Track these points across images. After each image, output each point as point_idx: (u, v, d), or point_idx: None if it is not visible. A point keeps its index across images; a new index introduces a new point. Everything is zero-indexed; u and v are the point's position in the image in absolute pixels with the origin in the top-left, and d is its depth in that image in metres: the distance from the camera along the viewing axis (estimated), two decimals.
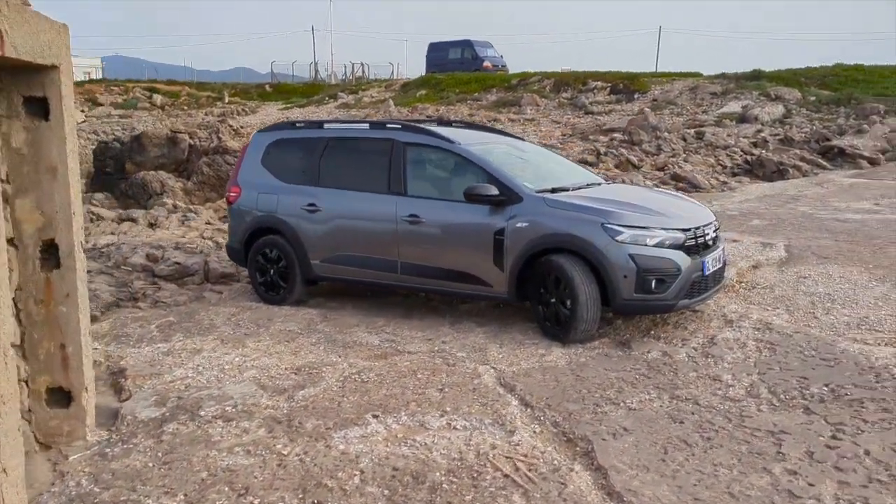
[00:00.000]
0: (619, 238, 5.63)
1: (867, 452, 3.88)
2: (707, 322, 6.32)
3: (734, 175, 15.73)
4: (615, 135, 20.78)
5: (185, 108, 40.56)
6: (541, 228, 5.89)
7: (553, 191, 6.25)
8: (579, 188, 6.55)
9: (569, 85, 30.18)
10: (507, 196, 6.06)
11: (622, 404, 4.63)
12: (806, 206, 11.89)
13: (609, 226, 5.68)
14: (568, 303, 5.74)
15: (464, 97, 29.89)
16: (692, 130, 19.84)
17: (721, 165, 16.56)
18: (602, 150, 18.48)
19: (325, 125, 7.39)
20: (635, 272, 5.59)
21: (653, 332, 6.09)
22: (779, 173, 15.48)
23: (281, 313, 6.95)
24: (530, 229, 5.92)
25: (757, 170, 15.52)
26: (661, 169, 16.43)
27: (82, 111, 40.12)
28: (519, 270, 5.98)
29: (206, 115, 35.78)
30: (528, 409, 4.60)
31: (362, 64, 51.74)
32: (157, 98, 42.37)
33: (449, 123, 7.90)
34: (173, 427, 4.35)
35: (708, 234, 6.06)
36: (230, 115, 35.25)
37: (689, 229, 5.85)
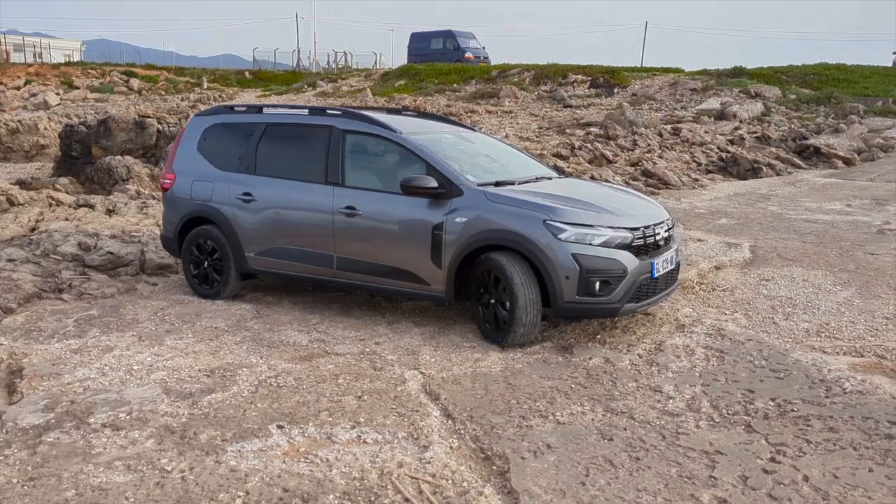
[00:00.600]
0: (561, 236, 5.27)
1: (806, 478, 3.54)
2: (658, 326, 5.99)
3: (708, 172, 15.43)
4: (592, 129, 20.46)
5: (163, 93, 39.85)
6: (480, 224, 5.52)
7: (497, 184, 5.88)
8: (527, 182, 6.18)
9: (549, 78, 29.80)
10: (447, 189, 5.68)
11: (551, 417, 4.28)
12: (776, 206, 11.59)
13: (551, 223, 5.32)
14: (507, 304, 5.38)
15: (443, 88, 29.44)
16: (669, 126, 19.53)
17: (696, 162, 16.26)
18: (577, 143, 18.16)
19: (265, 110, 6.97)
20: (578, 273, 5.23)
21: (599, 337, 5.75)
22: (753, 171, 15.19)
23: (212, 308, 6.55)
24: (469, 225, 5.55)
25: (731, 167, 15.22)
26: (634, 165, 16.12)
27: (57, 94, 39.35)
28: (457, 268, 5.61)
29: (181, 100, 35.15)
30: (449, 421, 4.23)
31: (345, 53, 51.19)
32: (135, 83, 41.61)
33: (399, 112, 7.51)
34: (54, 436, 3.94)
35: (659, 233, 5.71)
36: (206, 101, 34.65)
37: (637, 228, 5.50)
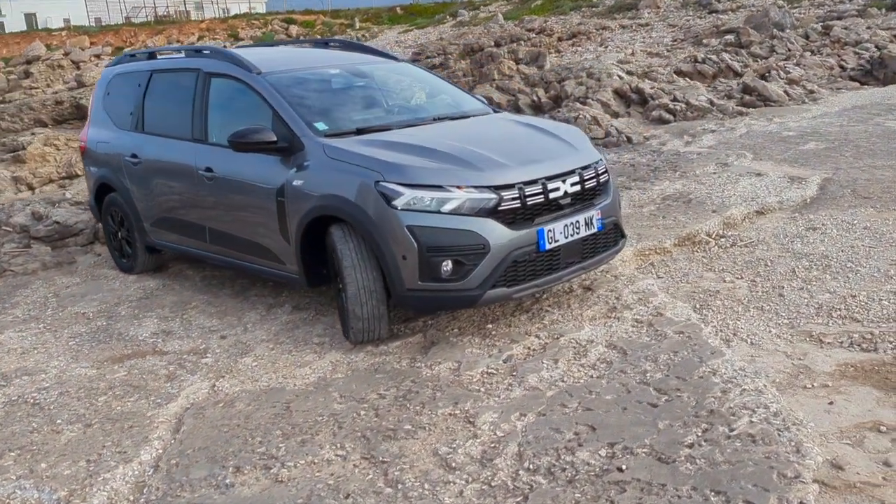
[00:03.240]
0: (396, 202, 3.88)
1: None
2: (583, 308, 4.45)
3: (851, 79, 12.45)
4: (728, 37, 17.54)
5: (318, 36, 40.46)
6: (315, 188, 4.25)
7: (360, 131, 4.54)
8: (415, 126, 4.74)
9: None
10: (290, 143, 4.45)
11: (275, 469, 3.06)
12: None
13: (384, 184, 3.93)
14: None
15: (579, 5, 26.87)
16: (819, 25, 16.15)
17: (840, 67, 13.23)
18: (702, 56, 15.55)
19: (159, 55, 6.03)
20: (417, 251, 3.85)
21: (490, 328, 4.32)
22: None
23: (109, 288, 5.86)
24: (306, 188, 4.30)
25: (877, 71, 12.11)
26: (762, 76, 13.43)
27: (225, 45, 41.28)
28: (306, 245, 4.40)
29: None
30: (147, 473, 3.16)
31: None
32: (293, 29, 42.57)
33: (325, 44, 6.25)
34: None
35: (558, 189, 4.11)
36: (360, 40, 34.64)
37: (511, 186, 3.95)
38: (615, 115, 10.65)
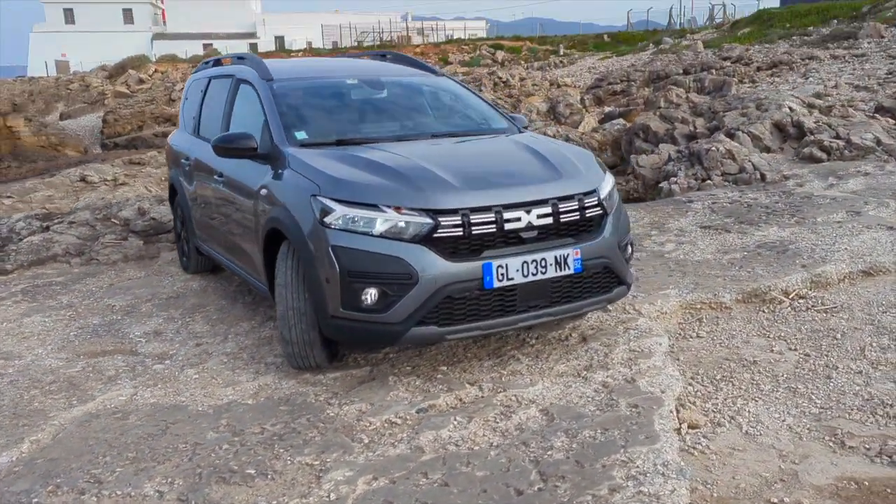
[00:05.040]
0: (327, 219, 3.51)
1: None
2: (567, 360, 3.81)
3: None
4: None
5: (523, 62, 40.68)
6: (275, 198, 3.99)
7: (339, 143, 4.23)
8: (402, 140, 4.33)
9: None
10: (268, 150, 4.25)
11: (84, 496, 2.80)
12: None
13: (320, 199, 3.57)
14: None
15: (790, 33, 24.54)
16: None
17: None
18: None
19: (223, 62, 6.12)
20: (338, 275, 3.46)
21: (438, 371, 3.80)
22: None
23: (158, 284, 6.00)
24: (267, 200, 4.07)
25: None
26: None
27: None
28: (265, 258, 4.16)
29: (526, 68, 35.47)
30: None
31: (723, 4, 46.29)
32: (500, 55, 43.23)
33: (382, 56, 6.00)
34: None
35: (520, 219, 3.51)
36: (550, 66, 34.47)
37: (454, 211, 3.42)
38: (766, 149, 9.40)
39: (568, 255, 3.60)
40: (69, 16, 58.30)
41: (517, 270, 3.47)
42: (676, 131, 11.69)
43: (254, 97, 4.80)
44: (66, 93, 38.33)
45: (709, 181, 8.29)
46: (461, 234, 3.42)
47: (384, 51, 6.16)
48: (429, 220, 3.39)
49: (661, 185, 8.59)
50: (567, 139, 14.50)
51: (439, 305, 3.40)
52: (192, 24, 57.76)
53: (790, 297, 4.81)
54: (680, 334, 4.38)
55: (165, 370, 4.11)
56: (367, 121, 4.67)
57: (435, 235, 3.39)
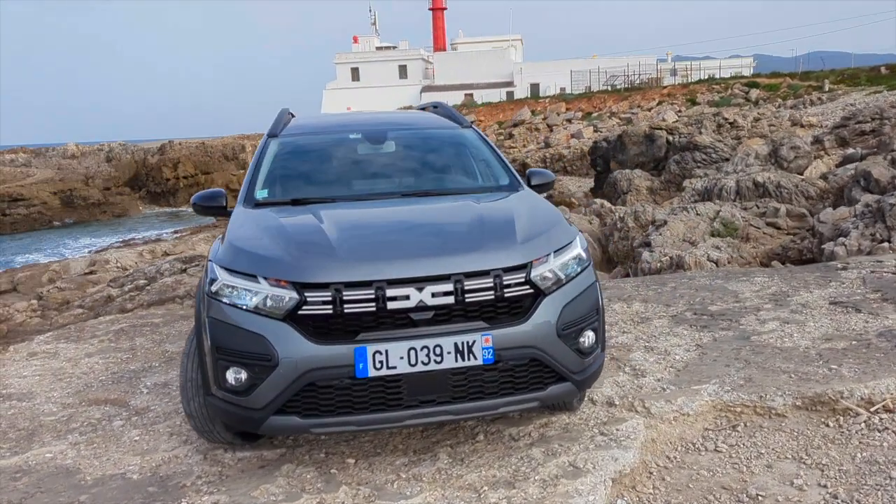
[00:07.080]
0: (212, 287, 3.20)
1: None
2: (498, 466, 3.12)
3: None
4: None
5: (781, 99, 37.37)
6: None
7: (295, 202, 3.92)
8: (363, 200, 3.92)
9: None
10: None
11: None
12: None
13: (211, 264, 3.30)
14: None
15: None
16: None
17: None
18: None
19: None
20: (210, 350, 3.13)
21: (344, 464, 3.30)
22: None
23: None
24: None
25: None
26: None
27: (678, 111, 40.72)
28: None
29: (777, 107, 32.46)
30: None
31: None
32: (754, 93, 40.16)
33: (435, 108, 5.59)
34: None
35: (409, 298, 2.89)
36: (805, 104, 31.24)
37: (325, 285, 2.92)
38: None
39: (474, 342, 2.93)
40: (355, 74, 64.95)
41: (401, 358, 2.89)
42: None
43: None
44: None
45: (886, 243, 6.67)
46: (330, 311, 2.93)
47: (436, 101, 5.79)
48: (294, 295, 2.95)
49: (823, 245, 7.09)
50: (778, 186, 12.81)
51: (302, 393, 2.93)
52: (457, 76, 61.43)
53: (872, 409, 3.58)
54: (692, 446, 3.43)
55: (119, 428, 4.04)
56: (339, 179, 4.32)
57: (300, 312, 2.94)
